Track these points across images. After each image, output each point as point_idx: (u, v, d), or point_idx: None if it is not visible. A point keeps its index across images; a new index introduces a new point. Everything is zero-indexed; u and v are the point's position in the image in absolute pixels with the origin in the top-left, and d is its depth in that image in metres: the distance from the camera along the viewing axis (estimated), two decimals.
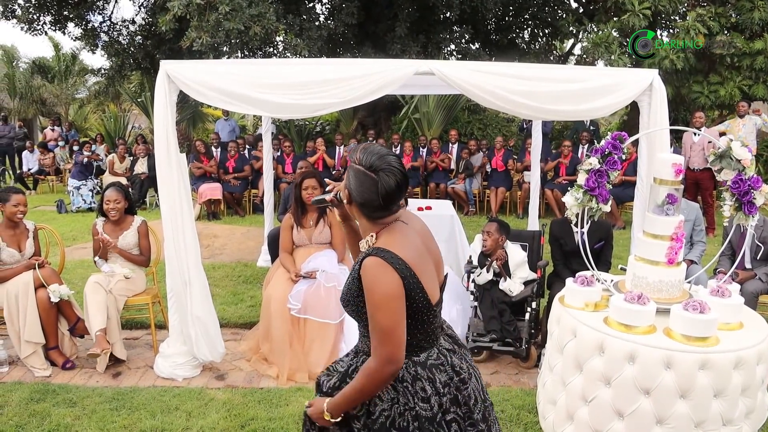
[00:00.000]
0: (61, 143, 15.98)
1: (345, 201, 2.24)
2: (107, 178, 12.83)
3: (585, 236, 3.80)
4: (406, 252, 2.10)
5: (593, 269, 3.80)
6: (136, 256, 5.30)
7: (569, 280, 3.74)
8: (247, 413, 4.21)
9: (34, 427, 3.99)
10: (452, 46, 14.77)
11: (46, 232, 5.65)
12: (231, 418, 4.15)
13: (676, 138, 10.77)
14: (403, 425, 2.13)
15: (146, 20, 16.24)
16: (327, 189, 2.41)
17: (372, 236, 2.20)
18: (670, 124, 4.94)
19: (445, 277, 2.35)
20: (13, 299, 4.81)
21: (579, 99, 4.72)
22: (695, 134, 9.35)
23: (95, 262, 5.27)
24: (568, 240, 5.20)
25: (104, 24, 16.28)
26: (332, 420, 2.18)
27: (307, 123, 17.76)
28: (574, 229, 4.99)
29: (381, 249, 2.09)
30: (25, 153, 15.29)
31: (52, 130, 17.44)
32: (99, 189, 13.07)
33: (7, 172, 16.09)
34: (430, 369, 2.18)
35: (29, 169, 15.02)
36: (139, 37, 16.33)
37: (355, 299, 2.17)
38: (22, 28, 15.15)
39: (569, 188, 3.82)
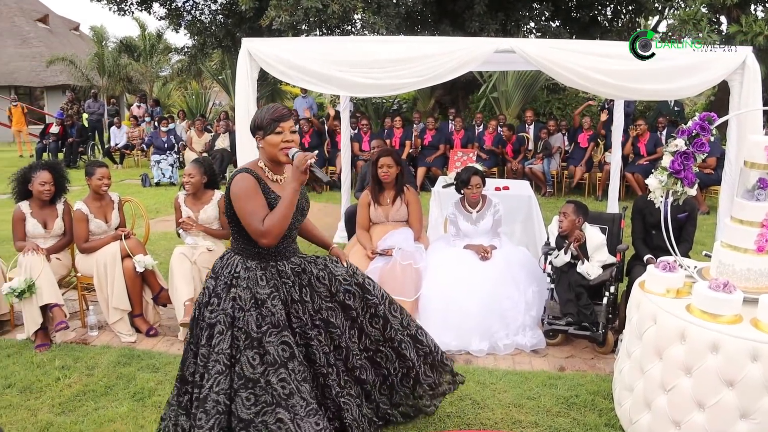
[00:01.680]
0: (147, 119, 16.57)
1: None
2: (188, 154, 13.23)
3: (668, 207, 3.68)
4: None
5: (675, 254, 3.69)
6: (218, 230, 5.39)
7: (650, 266, 3.64)
8: None
9: (121, 389, 4.20)
10: (532, 24, 14.44)
11: (132, 205, 5.88)
12: None
13: None
14: None
15: None
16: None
17: None
18: (764, 105, 4.70)
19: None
20: (102, 268, 5.05)
21: (664, 78, 4.54)
22: None
23: (178, 234, 5.46)
24: (653, 210, 5.00)
25: (187, 3, 16.71)
26: None
27: (384, 101, 17.78)
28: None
29: None
30: (113, 128, 15.93)
31: (138, 106, 18.13)
32: (180, 164, 13.51)
33: (96, 147, 16.81)
34: None
35: (116, 144, 15.64)
36: (221, 16, 16.68)
37: None
38: (110, 9, 15.79)
39: (653, 171, 3.71)
